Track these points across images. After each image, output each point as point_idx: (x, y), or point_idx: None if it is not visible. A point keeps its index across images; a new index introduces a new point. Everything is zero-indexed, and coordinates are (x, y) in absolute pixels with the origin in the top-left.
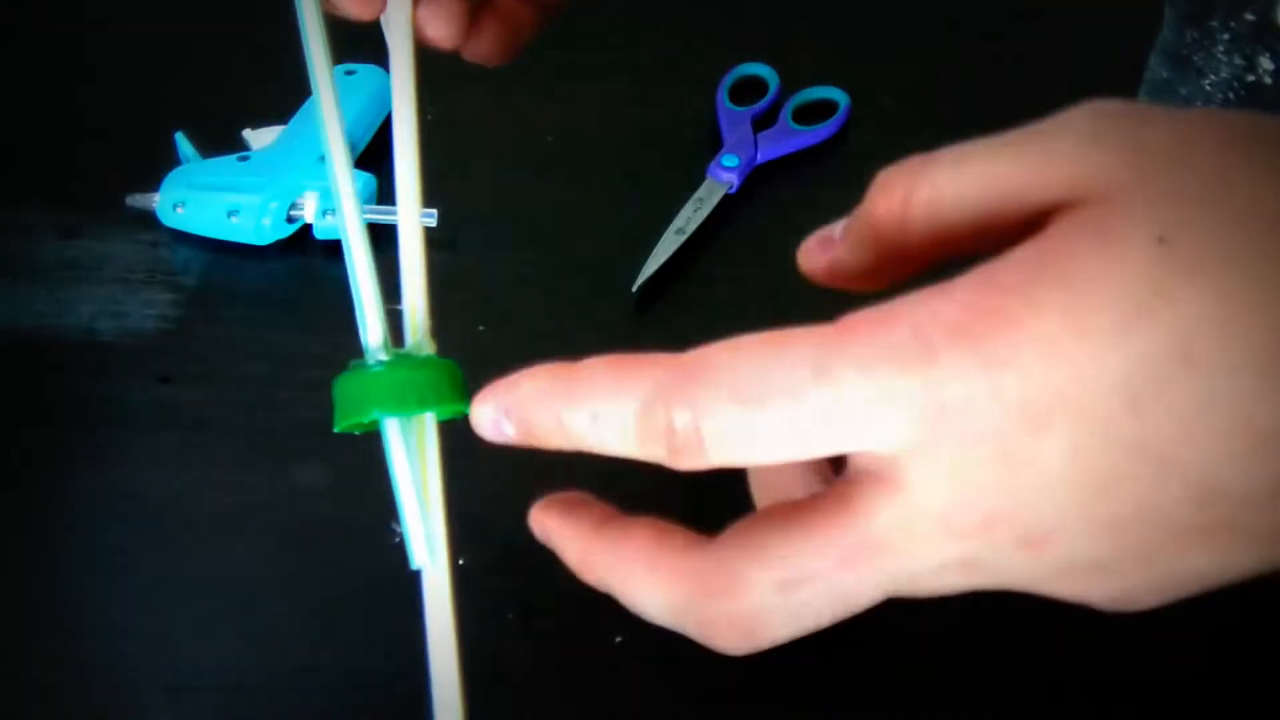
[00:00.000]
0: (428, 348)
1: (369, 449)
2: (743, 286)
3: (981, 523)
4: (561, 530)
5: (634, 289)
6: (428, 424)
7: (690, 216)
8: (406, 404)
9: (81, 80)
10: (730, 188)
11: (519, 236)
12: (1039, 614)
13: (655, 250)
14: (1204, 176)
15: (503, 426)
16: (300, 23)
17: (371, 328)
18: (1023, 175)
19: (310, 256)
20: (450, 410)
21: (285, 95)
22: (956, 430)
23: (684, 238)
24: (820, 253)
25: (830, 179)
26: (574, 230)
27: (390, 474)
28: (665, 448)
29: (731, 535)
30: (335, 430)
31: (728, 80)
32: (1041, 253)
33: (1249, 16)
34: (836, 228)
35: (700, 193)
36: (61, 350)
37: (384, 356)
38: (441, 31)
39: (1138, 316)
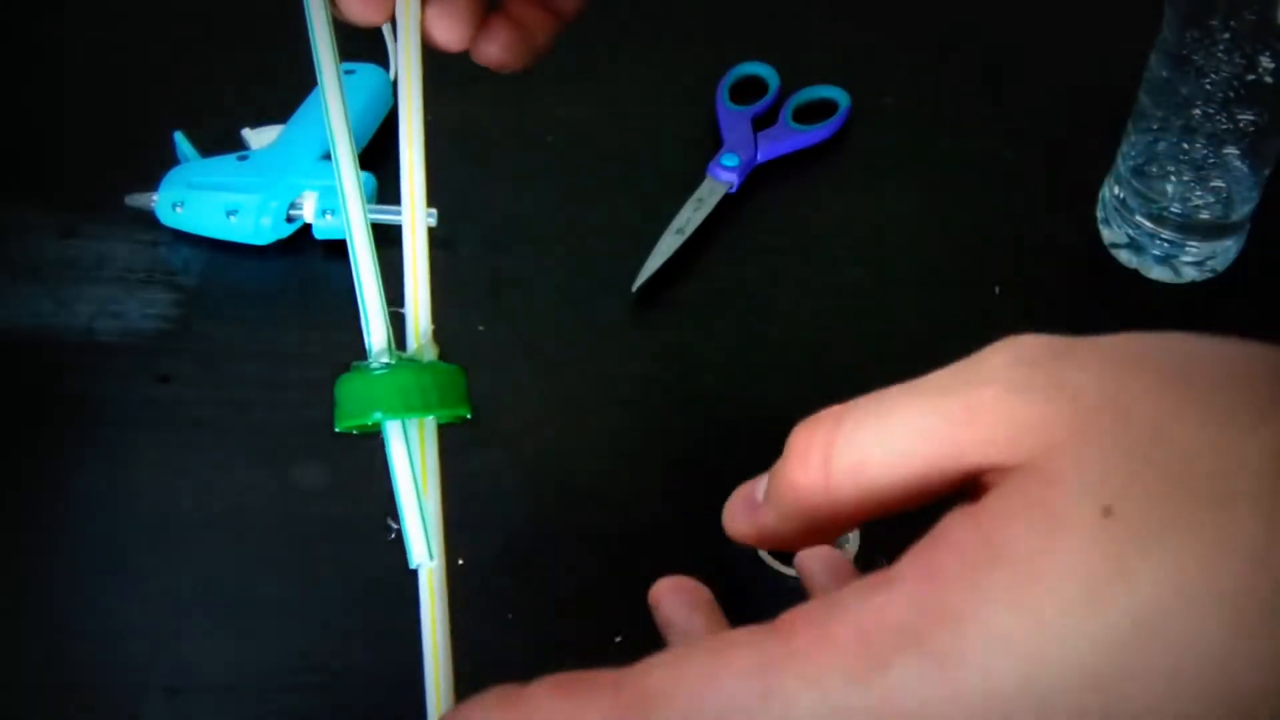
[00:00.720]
0: (430, 352)
1: (369, 449)
2: (743, 286)
3: None
4: None
5: (634, 289)
6: (428, 427)
7: (690, 216)
8: (408, 407)
9: (81, 80)
10: (730, 187)
11: (519, 236)
12: None
13: (655, 250)
14: (1139, 431)
15: None
16: (309, 24)
17: (375, 330)
18: (950, 433)
19: (309, 256)
20: (451, 414)
21: (285, 95)
22: None
23: (684, 238)
24: (745, 517)
25: (830, 179)
26: (574, 230)
27: (390, 473)
28: None
29: None
30: (336, 430)
31: (728, 80)
32: (983, 533)
33: (1249, 16)
34: (758, 487)
35: (700, 192)
36: (61, 350)
37: (387, 359)
38: (449, 33)
39: (1093, 599)
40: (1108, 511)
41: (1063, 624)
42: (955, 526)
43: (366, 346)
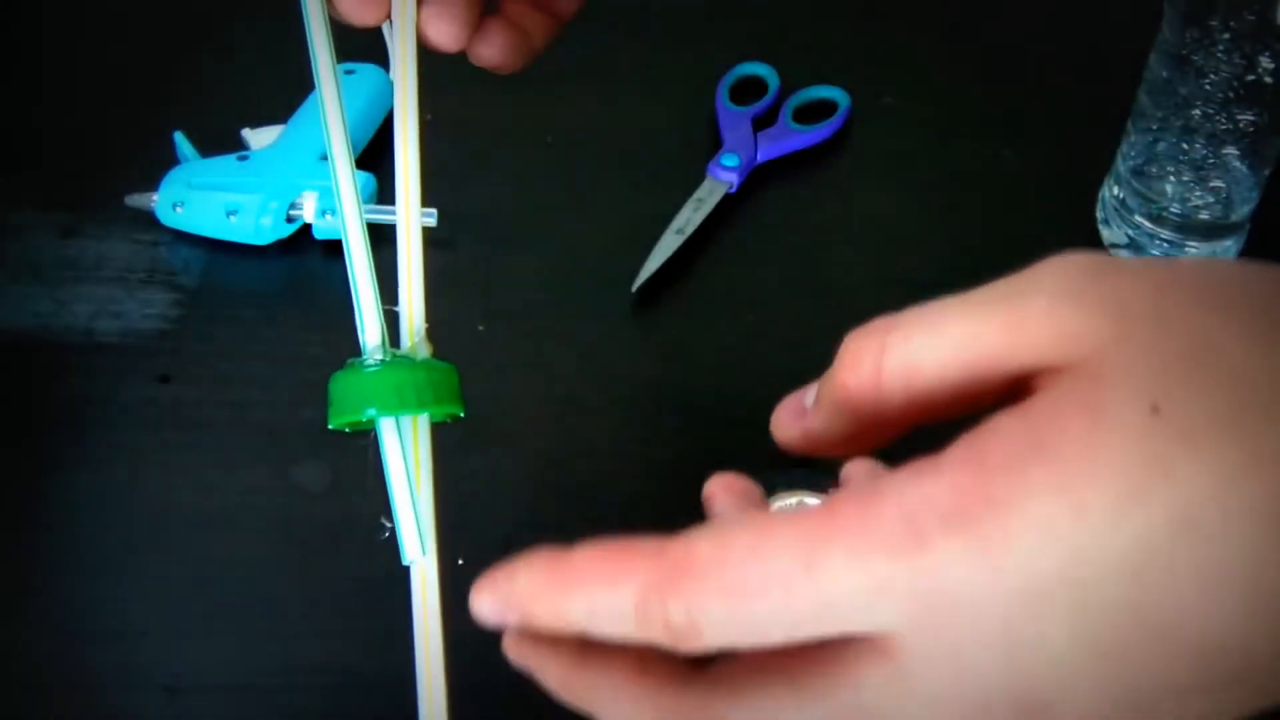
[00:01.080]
0: (424, 350)
1: (368, 450)
2: (743, 286)
3: (981, 703)
4: (542, 654)
5: (634, 289)
6: (421, 424)
7: (690, 216)
8: (402, 404)
9: (81, 80)
10: (730, 187)
11: (519, 236)
12: None
13: (655, 250)
14: (1189, 339)
15: (504, 615)
16: (306, 23)
17: (370, 328)
18: (1001, 338)
19: (309, 256)
20: (444, 412)
21: (285, 95)
22: (956, 615)
23: (684, 238)
24: (793, 423)
25: (830, 179)
26: (574, 230)
27: (383, 470)
28: (664, 636)
29: (719, 676)
30: (330, 427)
31: (728, 80)
32: (1031, 427)
33: (1249, 16)
34: (808, 394)
35: (700, 192)
36: (61, 350)
37: (381, 357)
38: (445, 34)
39: (1137, 493)
40: (1155, 410)
41: (1106, 517)
42: (1004, 421)
43: (360, 344)
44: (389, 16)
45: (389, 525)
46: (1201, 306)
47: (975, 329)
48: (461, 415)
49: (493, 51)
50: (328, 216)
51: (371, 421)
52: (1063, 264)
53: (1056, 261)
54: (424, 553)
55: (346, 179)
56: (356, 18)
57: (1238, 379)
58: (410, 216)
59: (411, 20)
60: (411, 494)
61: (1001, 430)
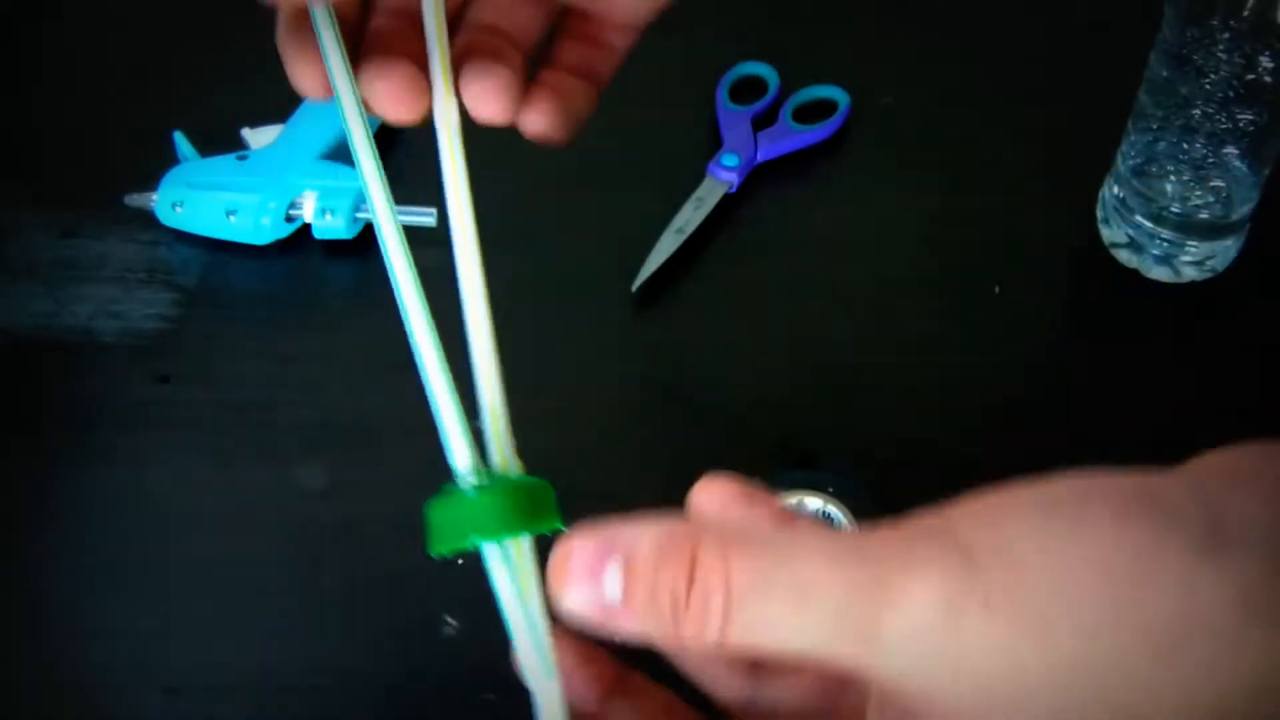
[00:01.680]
0: (515, 465)
1: (369, 449)
2: (743, 286)
3: None
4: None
5: (634, 289)
6: (525, 546)
7: (690, 216)
8: (506, 528)
9: (81, 80)
10: (730, 187)
11: (518, 237)
12: None
13: (655, 250)
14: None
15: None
16: (338, 103)
17: (458, 451)
18: (855, 665)
19: (309, 256)
20: (546, 529)
21: (285, 95)
22: None
23: (684, 237)
24: (590, 601)
25: (830, 179)
26: (574, 230)
27: (495, 595)
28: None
29: None
30: (432, 554)
31: (728, 80)
32: None
33: (1249, 16)
34: (608, 576)
35: (700, 192)
36: (60, 350)
37: (475, 480)
38: (491, 109)
39: None
40: None
41: None
42: None
43: (452, 467)
44: (429, 110)
45: (452, 622)
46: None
47: (828, 645)
48: (562, 530)
49: (541, 121)
50: (327, 216)
51: (474, 546)
52: (914, 603)
53: (913, 591)
54: (549, 676)
55: (415, 306)
56: (394, 116)
57: None
58: (481, 331)
59: (455, 113)
60: (531, 619)
61: None
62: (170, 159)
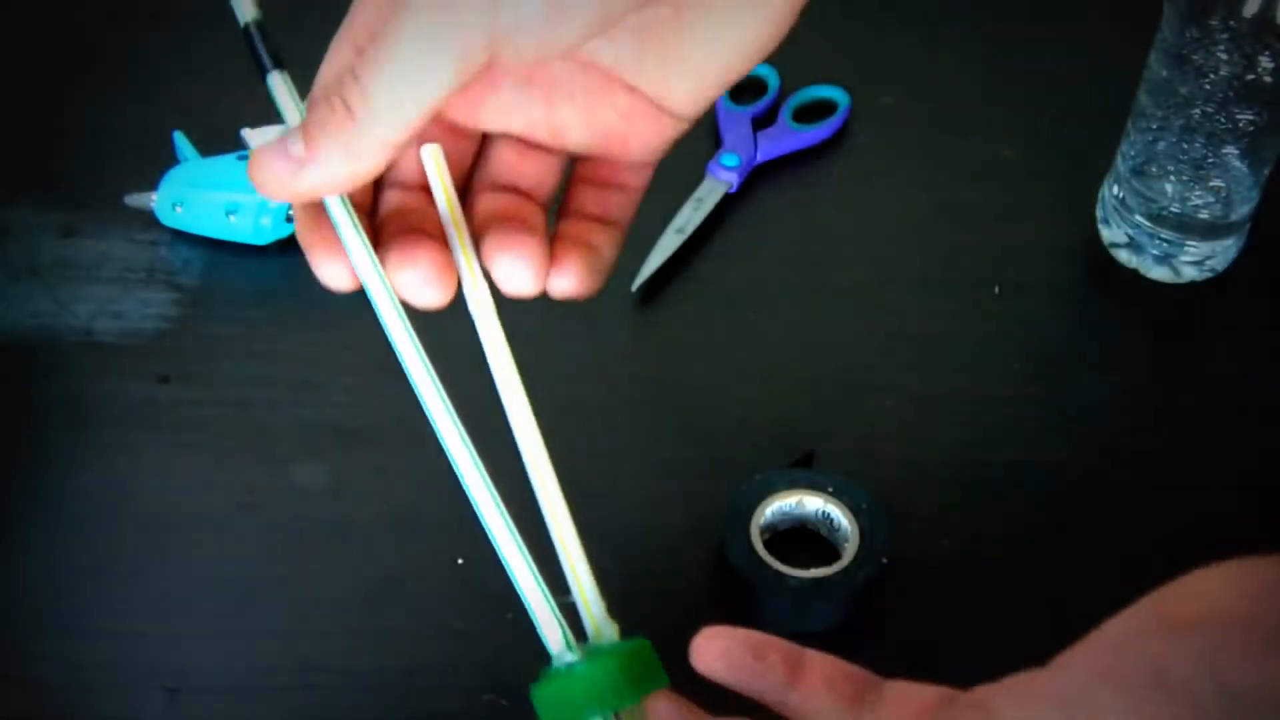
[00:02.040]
0: (610, 630)
1: (369, 449)
2: (743, 286)
3: None
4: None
5: (634, 289)
6: (635, 712)
7: (690, 216)
8: (618, 699)
9: (80, 79)
10: (730, 187)
11: None
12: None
13: (655, 250)
14: None
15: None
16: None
17: (550, 632)
18: None
19: None
20: (653, 689)
21: None
22: None
23: (684, 237)
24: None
25: (830, 179)
26: None
27: None
28: None
29: None
30: None
31: None
32: None
33: (1248, 16)
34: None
35: (700, 192)
36: (60, 350)
37: (571, 657)
38: (523, 284)
39: None
40: None
41: None
42: None
43: (547, 649)
44: (456, 294)
45: (503, 702)
46: None
47: None
48: (668, 683)
49: (569, 284)
50: None
51: None
52: None
53: None
54: None
55: (496, 518)
56: (422, 302)
57: None
58: (554, 502)
59: (493, 311)
60: None
61: None
62: (170, 159)
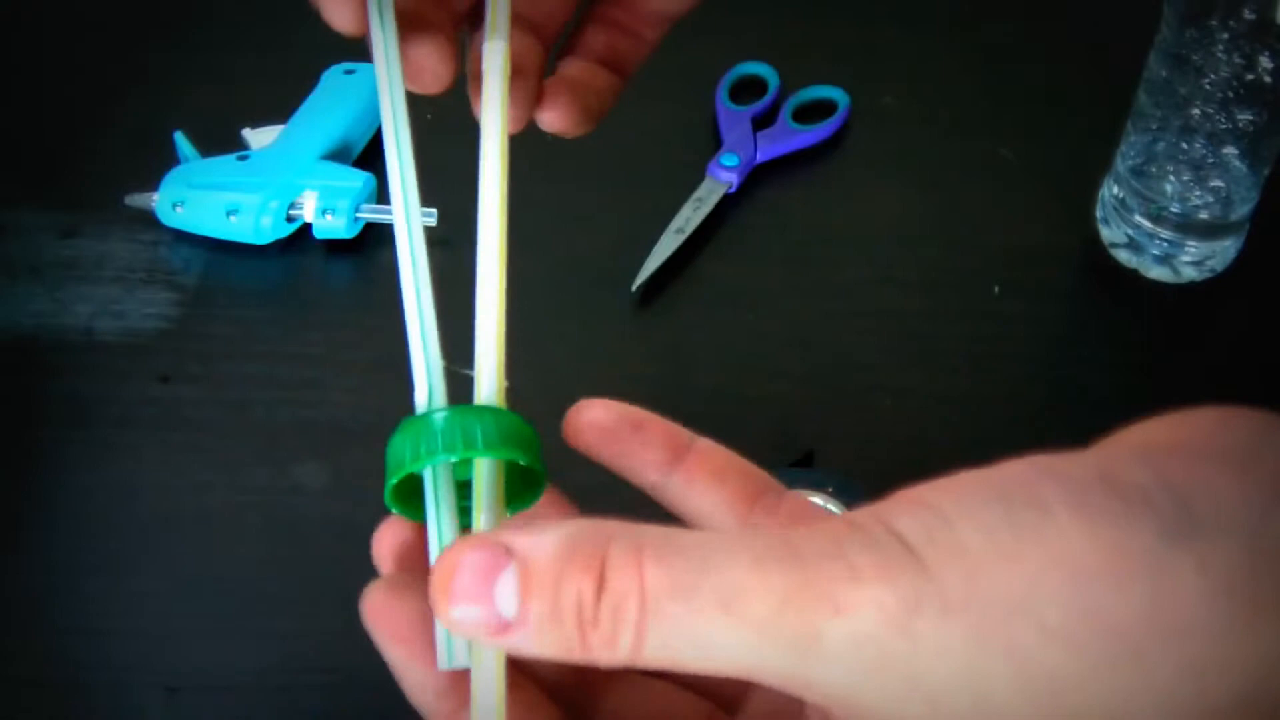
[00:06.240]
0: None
1: (369, 449)
2: (743, 286)
3: None
4: None
5: (634, 288)
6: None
7: (690, 216)
8: (473, 448)
9: (81, 80)
10: (730, 187)
11: (519, 236)
12: None
13: (655, 250)
14: None
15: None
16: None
17: (420, 384)
18: (786, 682)
19: (309, 256)
20: (524, 461)
21: (285, 95)
22: None
23: (684, 237)
24: (483, 614)
25: (830, 179)
26: (574, 230)
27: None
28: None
29: None
30: (388, 501)
31: (727, 80)
32: None
33: (1248, 16)
34: (502, 585)
35: (700, 192)
36: (60, 350)
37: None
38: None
39: None
40: None
41: None
42: None
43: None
44: (451, 83)
45: None
46: None
47: (753, 660)
48: (543, 475)
49: (557, 119)
50: (327, 216)
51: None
52: (860, 620)
53: (858, 607)
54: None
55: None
56: (425, 88)
57: None
58: (487, 289)
59: (501, 100)
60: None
61: None
62: (170, 159)
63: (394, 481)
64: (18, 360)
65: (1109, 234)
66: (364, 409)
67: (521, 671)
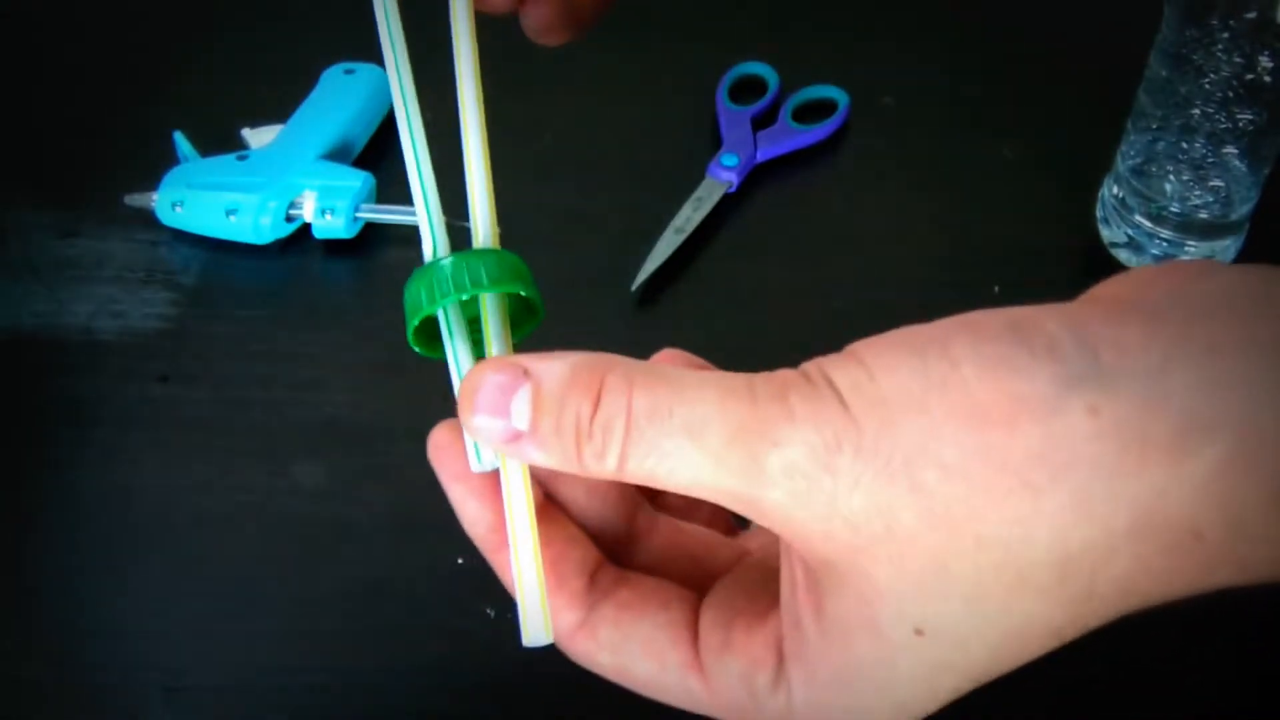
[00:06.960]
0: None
1: (369, 449)
2: (743, 286)
3: None
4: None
5: (634, 288)
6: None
7: (690, 215)
8: (475, 285)
9: (81, 80)
10: (730, 187)
11: (519, 236)
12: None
13: (655, 249)
14: (921, 560)
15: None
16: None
17: (424, 234)
18: (743, 504)
19: (309, 256)
20: (522, 292)
21: (285, 95)
22: None
23: (683, 237)
24: (498, 429)
25: (830, 179)
26: (574, 230)
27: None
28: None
29: None
30: (412, 343)
31: (727, 79)
32: (831, 650)
33: (1248, 16)
34: (516, 403)
35: (700, 192)
36: (60, 350)
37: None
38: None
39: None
40: (919, 632)
41: None
42: (806, 618)
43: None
44: None
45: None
46: (930, 515)
47: (717, 481)
48: (539, 302)
49: (542, 17)
50: (327, 216)
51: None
52: (794, 448)
53: (792, 436)
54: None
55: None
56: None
57: (979, 593)
58: (473, 139)
59: None
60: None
61: (804, 625)
62: (170, 159)
63: (415, 323)
64: (17, 360)
65: (1109, 234)
66: (363, 409)
67: (566, 514)
